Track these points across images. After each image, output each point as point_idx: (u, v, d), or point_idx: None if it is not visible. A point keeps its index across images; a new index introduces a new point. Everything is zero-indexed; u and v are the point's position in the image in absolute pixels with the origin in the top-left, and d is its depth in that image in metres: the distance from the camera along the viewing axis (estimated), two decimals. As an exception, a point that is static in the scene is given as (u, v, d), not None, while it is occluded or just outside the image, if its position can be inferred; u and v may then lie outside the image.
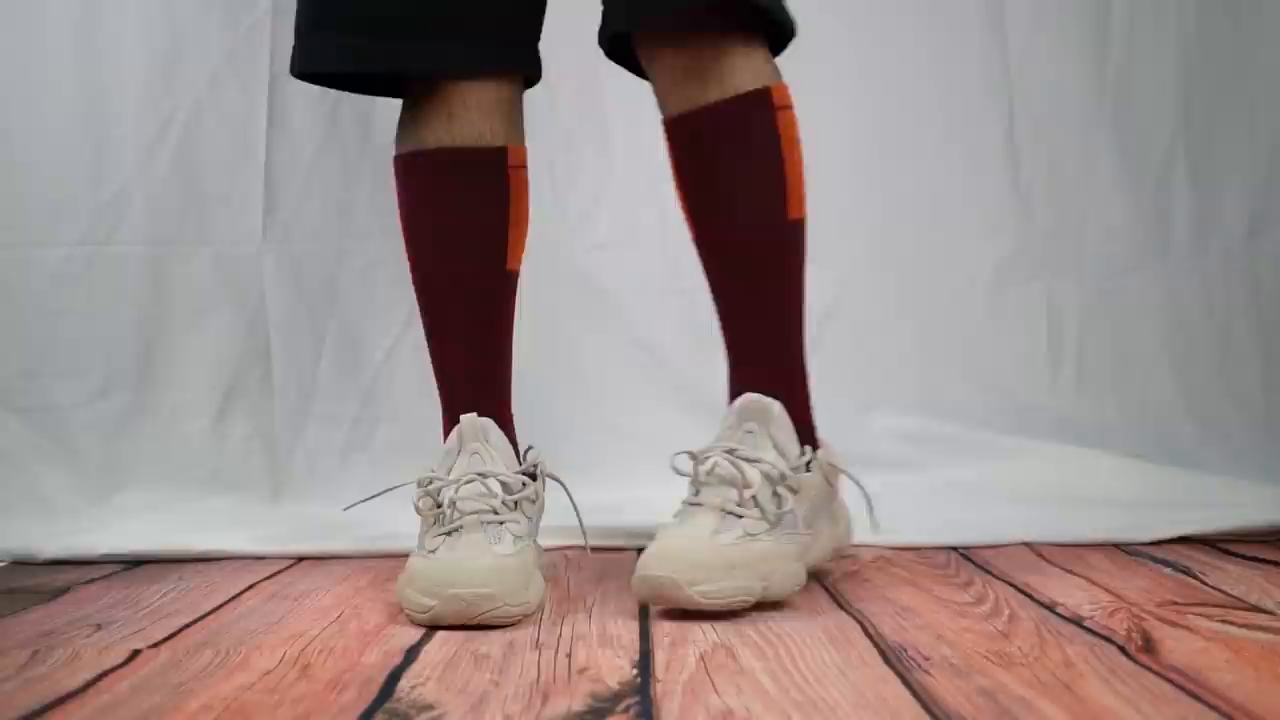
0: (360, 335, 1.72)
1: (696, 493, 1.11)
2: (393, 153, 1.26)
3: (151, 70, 1.67)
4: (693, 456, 1.12)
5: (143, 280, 1.67)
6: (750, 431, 1.12)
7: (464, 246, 1.23)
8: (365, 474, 1.70)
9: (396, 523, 1.50)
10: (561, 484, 1.20)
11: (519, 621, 1.04)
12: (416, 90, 1.23)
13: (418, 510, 1.12)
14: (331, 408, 1.71)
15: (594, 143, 1.78)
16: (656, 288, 1.77)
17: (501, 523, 1.10)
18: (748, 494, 1.08)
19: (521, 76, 1.25)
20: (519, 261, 1.25)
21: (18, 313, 1.63)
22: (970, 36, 1.83)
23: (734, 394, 1.17)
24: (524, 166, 1.24)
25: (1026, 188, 1.85)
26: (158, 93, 1.67)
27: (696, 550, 1.05)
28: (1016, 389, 1.83)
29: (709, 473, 1.10)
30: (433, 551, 1.07)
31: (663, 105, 1.18)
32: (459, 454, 1.14)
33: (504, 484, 1.12)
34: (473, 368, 1.25)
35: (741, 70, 1.14)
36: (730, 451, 1.11)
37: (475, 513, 1.09)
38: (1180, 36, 1.83)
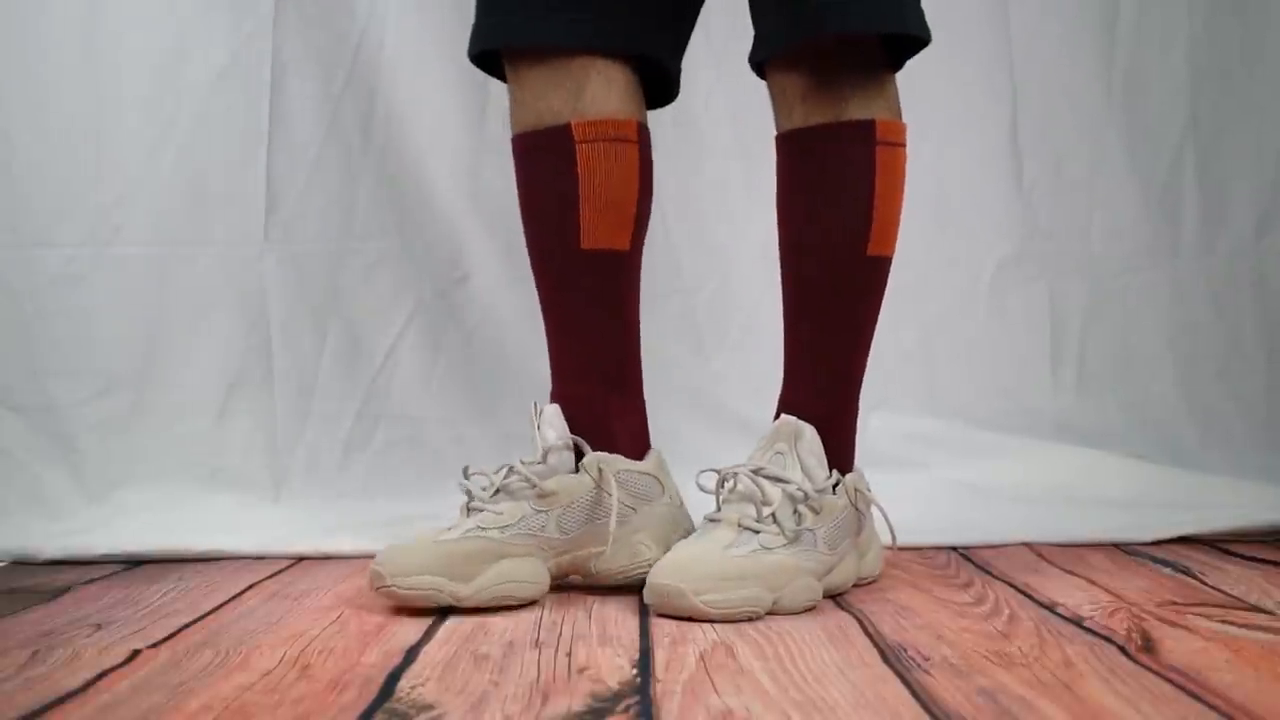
0: (360, 335, 1.72)
1: (718, 509, 1.12)
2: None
3: (154, 71, 1.67)
4: (719, 474, 1.13)
5: (144, 281, 1.67)
6: (780, 453, 1.13)
7: (539, 224, 1.24)
8: (365, 473, 1.70)
9: (396, 523, 1.51)
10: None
11: (428, 605, 1.07)
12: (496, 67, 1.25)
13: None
14: (332, 406, 1.71)
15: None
16: (656, 288, 1.77)
17: (480, 510, 1.13)
18: (766, 511, 1.08)
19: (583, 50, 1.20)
20: (605, 240, 1.20)
21: (18, 313, 1.63)
22: (975, 36, 1.83)
23: (779, 411, 1.18)
24: (601, 140, 1.19)
25: (1030, 187, 1.85)
26: (160, 94, 1.67)
27: (707, 561, 1.05)
28: (1018, 389, 1.83)
29: (731, 490, 1.11)
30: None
31: (777, 120, 1.19)
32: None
33: (511, 472, 1.15)
34: (555, 348, 1.25)
35: (854, 98, 1.15)
36: (756, 471, 1.11)
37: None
38: (1187, 36, 1.83)
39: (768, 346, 1.82)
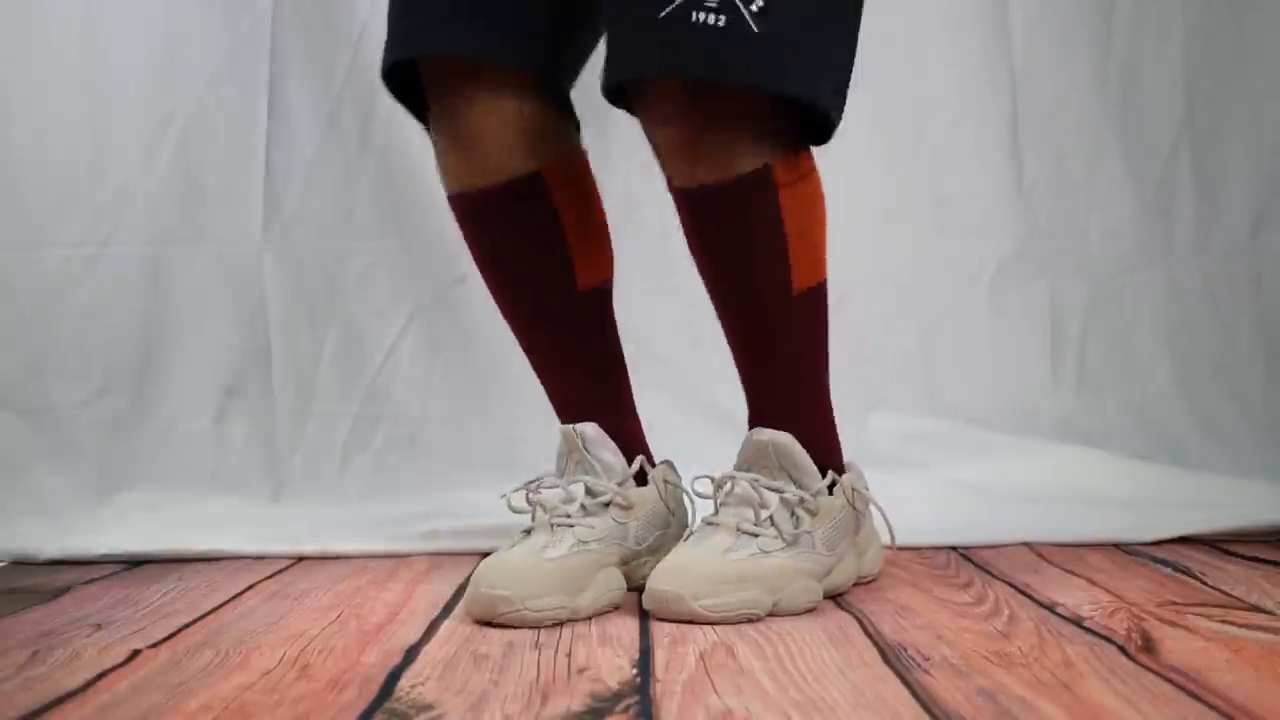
0: (360, 335, 1.72)
1: (715, 513, 1.12)
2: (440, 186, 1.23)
3: (151, 70, 1.67)
4: (713, 481, 1.13)
5: (143, 280, 1.67)
6: (765, 467, 1.12)
7: (527, 276, 1.21)
8: (365, 474, 1.70)
9: (396, 522, 1.51)
10: (688, 493, 1.22)
11: (551, 624, 1.04)
12: (431, 119, 1.19)
13: (511, 509, 1.14)
14: (331, 407, 1.71)
15: (594, 142, 1.77)
16: (656, 288, 1.77)
17: (571, 525, 1.11)
18: (764, 514, 1.08)
19: (540, 86, 1.17)
20: (596, 277, 1.21)
21: (18, 313, 1.63)
22: (973, 35, 1.83)
23: (751, 427, 1.18)
24: (571, 180, 1.19)
25: (1029, 187, 1.85)
26: (158, 93, 1.67)
27: (705, 565, 1.05)
28: (1018, 389, 1.83)
29: (728, 494, 1.11)
30: (511, 548, 1.09)
31: (663, 168, 1.12)
32: (566, 461, 1.17)
33: (588, 489, 1.14)
34: (558, 387, 1.24)
35: (740, 147, 1.06)
36: (753, 480, 1.12)
37: (551, 514, 1.11)
38: (1183, 35, 1.83)
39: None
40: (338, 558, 1.41)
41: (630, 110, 1.11)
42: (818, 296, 1.14)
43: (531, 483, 1.15)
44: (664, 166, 1.11)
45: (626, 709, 0.78)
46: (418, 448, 1.72)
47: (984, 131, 1.85)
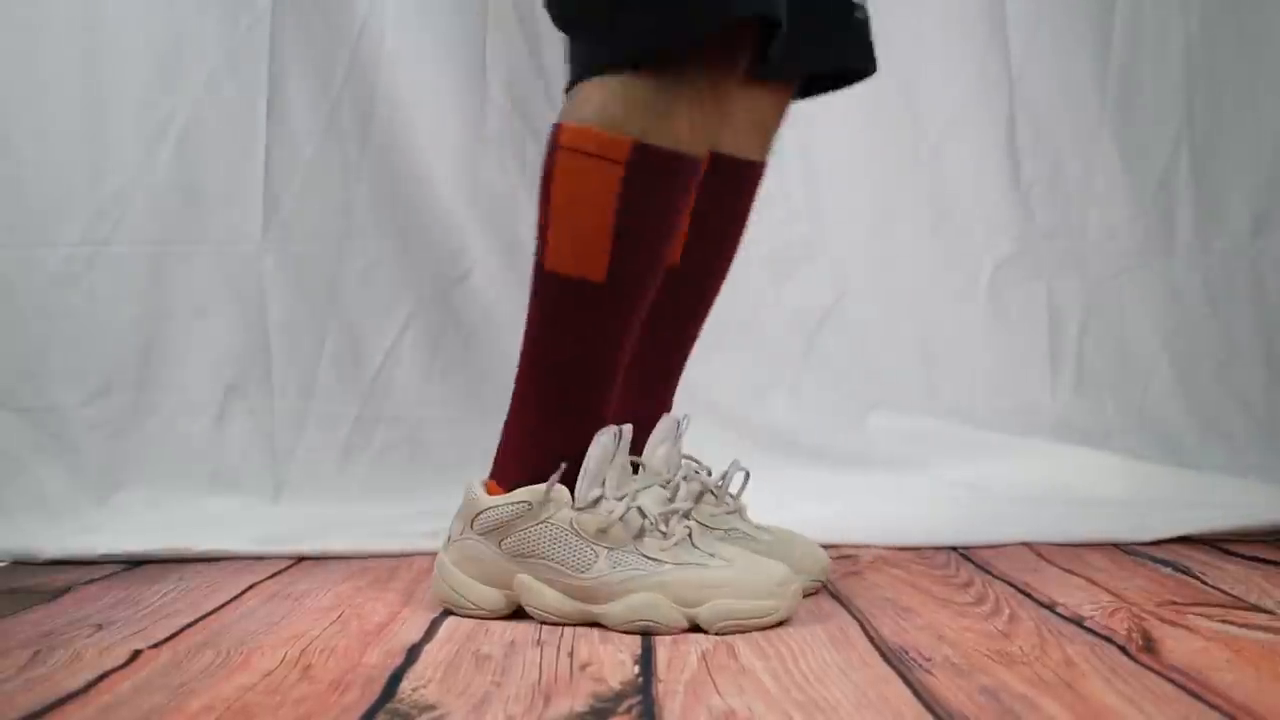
0: (360, 335, 1.72)
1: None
2: None
3: (151, 69, 1.67)
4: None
5: (143, 280, 1.67)
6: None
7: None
8: (365, 474, 1.70)
9: (396, 522, 1.51)
10: None
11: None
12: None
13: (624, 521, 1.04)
14: (331, 408, 1.71)
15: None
16: (656, 288, 1.77)
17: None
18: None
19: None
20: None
21: (18, 313, 1.63)
22: (972, 35, 1.83)
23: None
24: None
25: (1028, 187, 1.85)
26: (157, 92, 1.67)
27: None
28: (1017, 389, 1.83)
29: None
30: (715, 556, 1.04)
31: (769, 144, 1.20)
32: (612, 464, 1.06)
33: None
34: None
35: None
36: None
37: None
38: (1183, 35, 1.83)
39: (768, 346, 1.83)
40: (338, 558, 1.41)
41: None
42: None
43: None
44: (769, 143, 1.19)
45: (629, 709, 0.78)
46: (418, 448, 1.72)
47: (982, 132, 1.85)
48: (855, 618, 1.05)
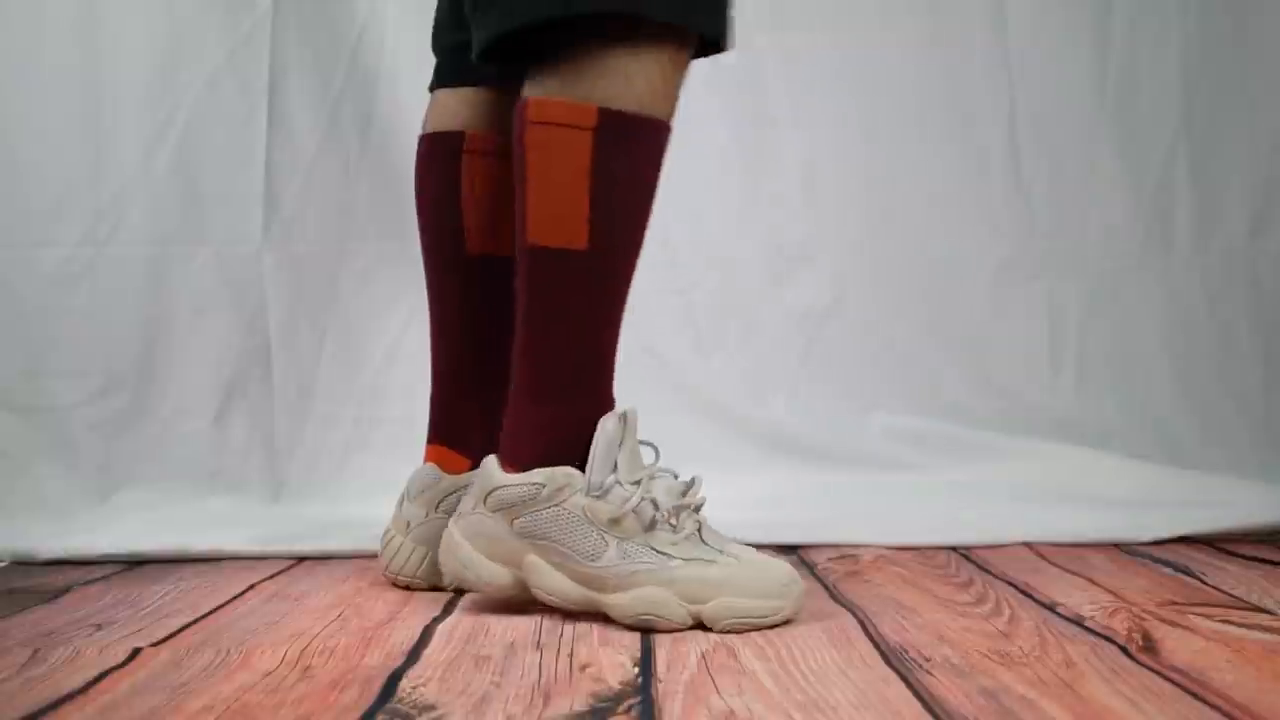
0: (360, 335, 1.72)
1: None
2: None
3: (151, 71, 1.67)
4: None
5: (143, 280, 1.67)
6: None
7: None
8: (365, 474, 1.70)
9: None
10: None
11: None
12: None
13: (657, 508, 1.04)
14: (331, 408, 1.71)
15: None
16: (656, 288, 1.77)
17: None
18: None
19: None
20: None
21: (18, 313, 1.63)
22: (971, 36, 1.84)
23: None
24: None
25: (1028, 188, 1.85)
26: (158, 93, 1.67)
27: None
28: (1017, 389, 1.83)
29: None
30: (724, 553, 1.03)
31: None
32: (621, 447, 1.06)
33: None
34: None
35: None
36: None
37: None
38: (1181, 36, 1.83)
39: (768, 346, 1.83)
40: (338, 557, 1.40)
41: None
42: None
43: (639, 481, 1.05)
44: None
45: (629, 709, 0.78)
46: (417, 448, 1.72)
47: (983, 132, 1.85)
48: (855, 618, 1.05)
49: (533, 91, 1.04)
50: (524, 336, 1.07)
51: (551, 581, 1.04)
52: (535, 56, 1.04)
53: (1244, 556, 1.32)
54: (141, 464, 1.64)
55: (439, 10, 1.28)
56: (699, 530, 1.05)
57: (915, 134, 1.85)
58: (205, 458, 1.67)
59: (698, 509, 1.06)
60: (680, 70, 1.05)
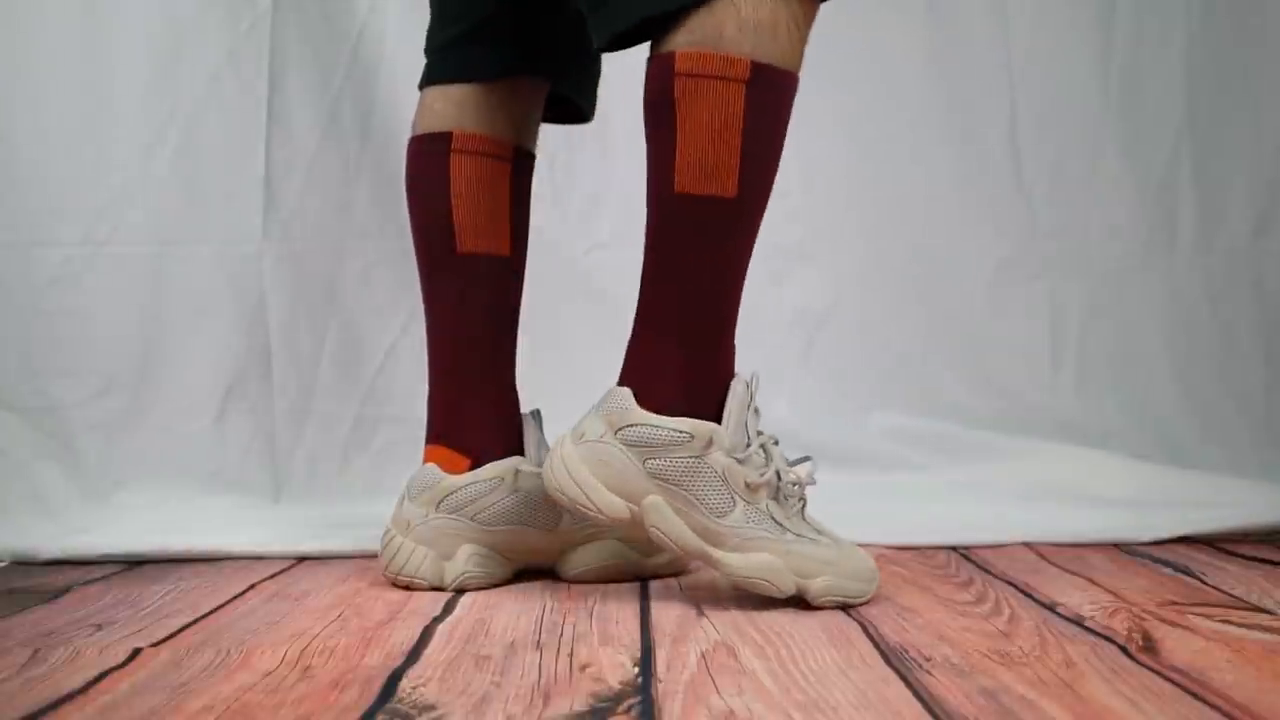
0: (360, 335, 1.72)
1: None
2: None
3: (151, 69, 1.67)
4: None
5: (143, 280, 1.67)
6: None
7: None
8: (365, 474, 1.70)
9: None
10: None
11: None
12: None
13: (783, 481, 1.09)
14: (331, 408, 1.71)
15: (594, 142, 1.78)
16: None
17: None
18: None
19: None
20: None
21: (18, 313, 1.63)
22: (973, 36, 1.84)
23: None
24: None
25: (1029, 187, 1.86)
26: (158, 92, 1.67)
27: None
28: (1017, 389, 1.83)
29: None
30: (822, 535, 1.10)
31: None
32: (749, 413, 1.09)
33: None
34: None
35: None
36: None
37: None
38: (1184, 36, 1.83)
39: (767, 345, 1.83)
40: (338, 558, 1.40)
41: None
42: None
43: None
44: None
45: (629, 709, 0.78)
46: (417, 448, 1.72)
47: (983, 132, 1.85)
48: (855, 618, 1.05)
49: (676, 45, 1.05)
50: (660, 278, 1.09)
51: (672, 525, 1.06)
52: (671, 19, 1.06)
53: (1244, 556, 1.32)
54: (141, 464, 1.64)
55: (431, 11, 1.28)
56: (802, 509, 1.10)
57: (915, 133, 1.85)
58: (205, 458, 1.67)
59: (802, 487, 1.11)
60: (811, 22, 1.08)
